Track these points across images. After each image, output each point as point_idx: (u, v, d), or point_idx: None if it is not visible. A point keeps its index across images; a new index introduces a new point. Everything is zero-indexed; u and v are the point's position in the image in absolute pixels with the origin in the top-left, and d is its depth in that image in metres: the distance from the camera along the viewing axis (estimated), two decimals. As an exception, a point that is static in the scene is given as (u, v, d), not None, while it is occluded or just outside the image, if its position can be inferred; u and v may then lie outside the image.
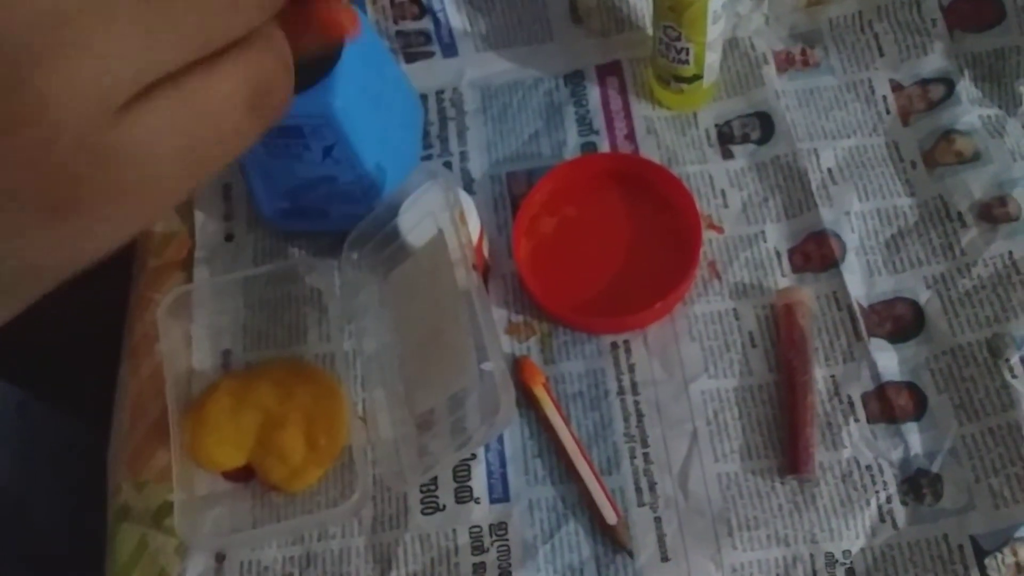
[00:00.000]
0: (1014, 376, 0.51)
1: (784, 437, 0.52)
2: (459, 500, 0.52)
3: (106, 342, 0.60)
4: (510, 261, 0.59)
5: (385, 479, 0.52)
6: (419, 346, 0.53)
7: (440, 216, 0.51)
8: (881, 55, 0.63)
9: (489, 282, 0.58)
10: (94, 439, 0.60)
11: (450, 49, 0.67)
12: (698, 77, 0.60)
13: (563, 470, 0.53)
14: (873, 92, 0.62)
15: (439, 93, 0.66)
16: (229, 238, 0.62)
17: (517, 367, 0.55)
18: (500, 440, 0.54)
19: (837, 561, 0.49)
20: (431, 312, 0.53)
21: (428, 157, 0.64)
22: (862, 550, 0.49)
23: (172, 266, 0.61)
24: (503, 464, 0.53)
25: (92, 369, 0.61)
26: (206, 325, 0.58)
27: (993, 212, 0.56)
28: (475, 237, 0.54)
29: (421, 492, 0.53)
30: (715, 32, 0.57)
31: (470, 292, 0.49)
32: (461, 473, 0.53)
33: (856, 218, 0.58)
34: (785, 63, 0.64)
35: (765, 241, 0.58)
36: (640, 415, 0.54)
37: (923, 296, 0.55)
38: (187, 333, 0.58)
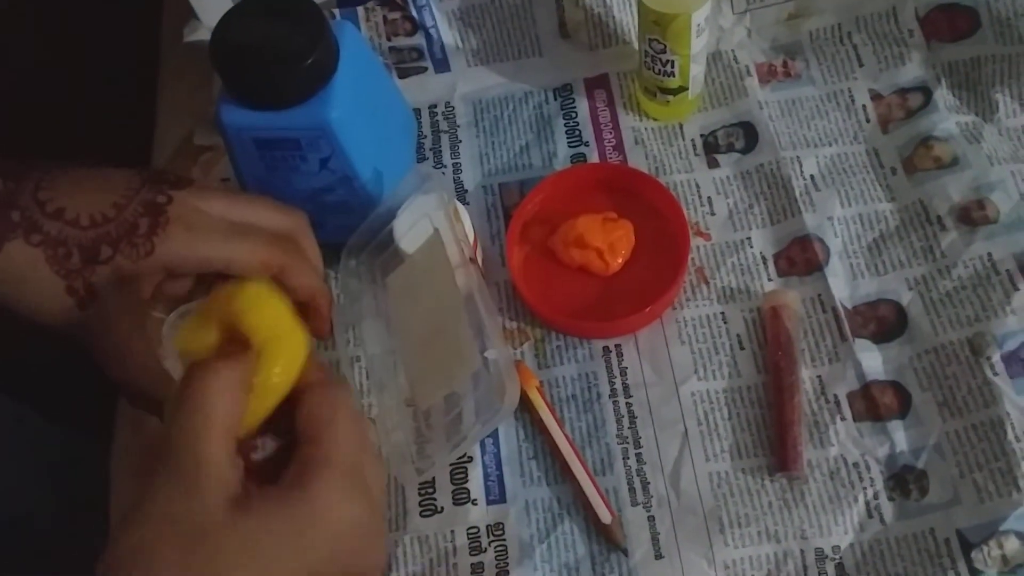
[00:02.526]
0: (995, 373, 0.52)
1: (773, 436, 0.53)
2: (457, 502, 0.53)
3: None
4: (503, 269, 0.60)
5: (394, 473, 0.53)
6: (421, 344, 0.54)
7: (435, 216, 0.52)
8: (860, 65, 0.65)
9: (483, 290, 0.60)
10: (93, 452, 0.61)
11: (442, 64, 0.69)
12: (683, 89, 0.62)
13: (558, 471, 0.54)
14: (853, 101, 0.64)
15: (432, 107, 0.68)
16: (227, 251, 0.63)
17: (511, 372, 0.56)
18: (496, 443, 0.55)
19: (827, 556, 0.50)
20: (432, 309, 0.54)
21: (422, 169, 0.65)
22: (851, 545, 0.50)
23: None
24: (499, 466, 0.54)
25: (90, 383, 0.62)
26: None
27: (971, 215, 0.57)
28: (470, 242, 0.55)
29: (419, 495, 0.54)
30: (699, 45, 0.59)
31: (469, 286, 0.50)
32: (458, 476, 0.54)
33: (839, 223, 0.59)
34: (767, 74, 0.66)
35: (751, 247, 0.60)
36: (632, 417, 0.55)
37: (905, 297, 0.56)
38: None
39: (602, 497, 0.52)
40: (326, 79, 0.51)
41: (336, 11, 0.67)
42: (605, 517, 0.51)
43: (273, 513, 0.33)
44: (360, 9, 0.68)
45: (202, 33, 0.67)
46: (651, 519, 0.52)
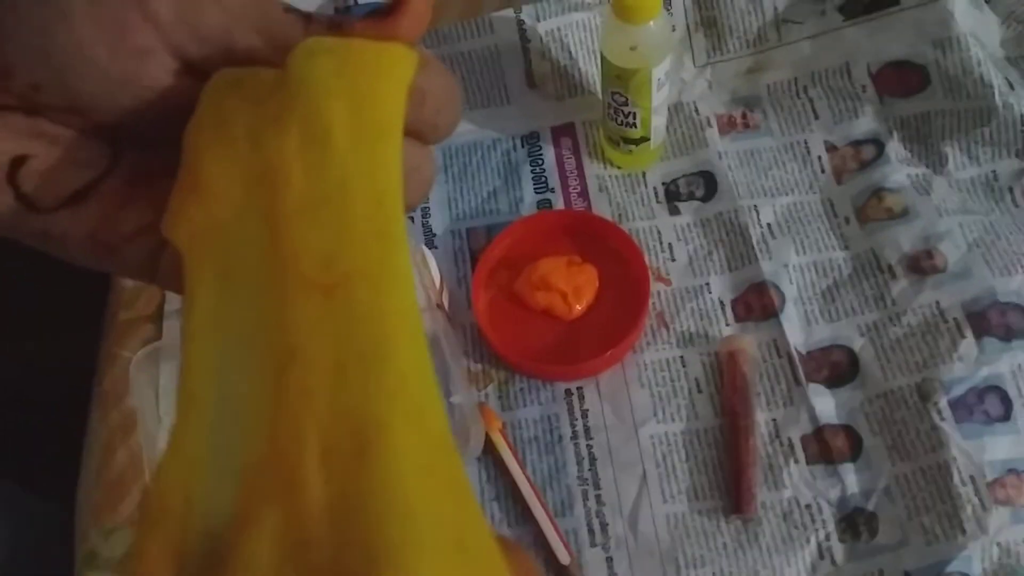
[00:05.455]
0: (942, 418, 0.54)
1: (728, 478, 0.55)
2: (418, 543, 0.54)
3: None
4: (469, 312, 0.61)
5: None
6: None
7: None
8: (816, 118, 0.67)
9: (449, 332, 0.61)
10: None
11: (413, 112, 0.70)
12: (645, 139, 0.64)
13: (519, 512, 0.55)
14: (809, 152, 0.66)
15: (402, 153, 0.69)
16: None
17: (475, 414, 0.57)
18: (458, 484, 0.56)
19: (780, 597, 0.52)
20: None
21: (391, 213, 0.67)
22: (803, 586, 0.52)
23: (142, 319, 0.63)
24: (461, 507, 0.55)
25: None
26: (176, 378, 0.60)
27: (921, 264, 0.60)
28: (436, 288, 0.56)
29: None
30: (660, 98, 0.61)
31: (435, 331, 0.52)
32: (420, 516, 0.55)
33: (794, 270, 0.61)
34: (727, 126, 0.68)
35: (710, 292, 0.61)
36: (593, 459, 0.56)
37: (857, 343, 0.58)
38: (157, 387, 0.59)
39: (561, 538, 0.53)
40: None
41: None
42: (564, 558, 0.52)
43: None
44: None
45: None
46: (609, 560, 0.53)
